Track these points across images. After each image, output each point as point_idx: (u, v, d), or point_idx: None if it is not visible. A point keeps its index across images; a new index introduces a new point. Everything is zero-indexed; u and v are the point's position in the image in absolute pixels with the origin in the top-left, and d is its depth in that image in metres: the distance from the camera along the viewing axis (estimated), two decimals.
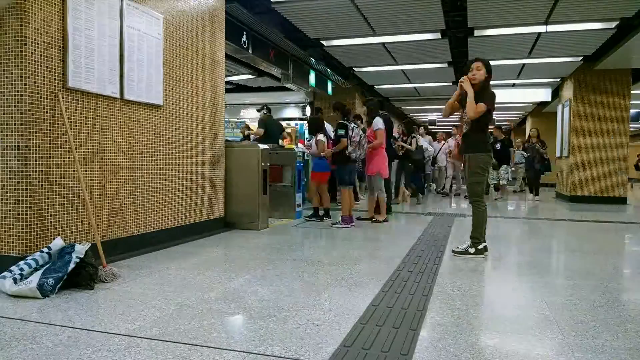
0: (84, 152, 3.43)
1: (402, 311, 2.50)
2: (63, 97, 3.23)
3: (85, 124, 3.45)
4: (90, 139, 3.49)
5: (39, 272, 2.76)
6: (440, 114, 19.42)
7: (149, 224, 4.15)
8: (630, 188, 13.52)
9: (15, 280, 2.71)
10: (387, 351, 1.97)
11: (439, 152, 11.47)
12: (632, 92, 9.69)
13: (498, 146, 9.98)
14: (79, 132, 3.39)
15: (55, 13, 3.18)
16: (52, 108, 3.18)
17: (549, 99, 12.24)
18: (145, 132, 4.07)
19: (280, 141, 8.02)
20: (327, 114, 8.00)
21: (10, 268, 2.81)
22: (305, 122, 13.09)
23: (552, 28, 6.95)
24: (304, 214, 6.53)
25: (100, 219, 3.60)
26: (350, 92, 11.89)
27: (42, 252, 2.92)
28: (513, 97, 12.39)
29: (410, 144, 8.88)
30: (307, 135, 9.72)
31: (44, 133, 3.12)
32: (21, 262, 2.83)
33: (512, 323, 2.37)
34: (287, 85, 9.57)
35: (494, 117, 8.01)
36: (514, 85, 12.11)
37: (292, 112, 13.78)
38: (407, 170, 9.02)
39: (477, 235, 3.98)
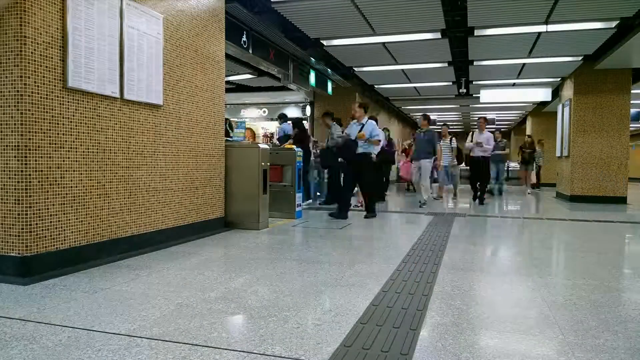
0: (84, 152, 3.43)
1: (402, 311, 2.50)
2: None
3: (85, 123, 3.44)
4: (90, 139, 3.49)
5: None
6: (440, 113, 19.45)
7: (149, 224, 4.14)
8: None
9: None
10: (387, 351, 1.97)
11: None
12: (632, 92, 9.69)
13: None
14: (79, 132, 3.39)
15: (55, 13, 3.18)
16: (52, 108, 3.18)
17: (549, 99, 12.24)
18: (145, 132, 4.07)
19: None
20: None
21: None
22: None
23: (552, 28, 6.95)
24: (304, 214, 6.54)
25: (100, 219, 3.60)
26: (350, 92, 11.89)
27: None
28: (513, 96, 12.39)
29: None
30: None
31: (44, 133, 3.12)
32: None
33: (512, 323, 2.37)
34: (287, 85, 9.57)
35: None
36: (514, 85, 12.11)
37: (292, 112, 13.77)
38: None
39: None
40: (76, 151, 3.37)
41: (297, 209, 6.41)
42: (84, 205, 3.45)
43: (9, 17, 2.98)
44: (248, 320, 2.36)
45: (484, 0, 5.99)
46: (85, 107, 3.44)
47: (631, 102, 9.83)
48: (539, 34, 7.36)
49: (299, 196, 6.45)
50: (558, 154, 11.27)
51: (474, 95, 12.97)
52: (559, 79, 11.11)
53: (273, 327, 2.23)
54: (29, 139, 3.03)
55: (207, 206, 5.04)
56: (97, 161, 3.56)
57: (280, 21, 7.04)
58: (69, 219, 3.33)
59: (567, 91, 10.53)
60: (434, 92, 13.55)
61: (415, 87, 12.61)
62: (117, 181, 3.76)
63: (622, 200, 9.57)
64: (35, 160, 3.07)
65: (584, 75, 9.69)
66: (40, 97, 3.09)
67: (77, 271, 3.27)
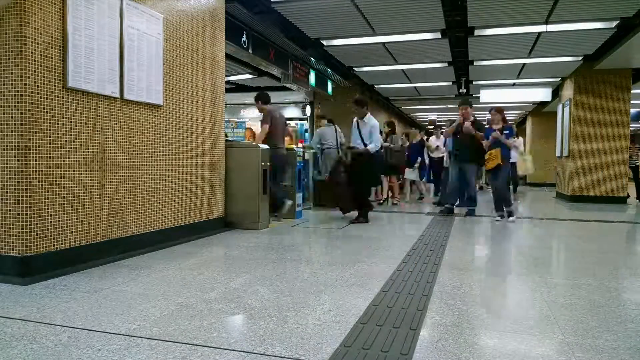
0: (84, 152, 3.43)
1: (402, 311, 2.50)
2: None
3: (85, 123, 3.44)
4: (90, 139, 3.49)
5: None
6: (440, 113, 19.47)
7: (149, 224, 4.14)
8: None
9: None
10: (387, 351, 1.97)
11: None
12: (632, 91, 9.69)
13: None
14: (79, 132, 3.39)
15: (55, 13, 3.18)
16: (52, 108, 3.18)
17: (549, 99, 12.23)
18: (145, 132, 4.07)
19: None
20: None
21: None
22: (305, 121, 13.11)
23: (552, 27, 6.95)
24: (304, 214, 6.53)
25: (100, 219, 3.60)
26: (350, 92, 11.88)
27: None
28: (513, 96, 12.38)
29: None
30: None
31: (44, 133, 3.12)
32: None
33: (512, 323, 2.37)
34: (287, 85, 9.57)
35: None
36: (514, 85, 12.11)
37: (292, 111, 13.76)
38: None
39: None
40: (76, 151, 3.37)
41: (297, 209, 6.41)
42: (84, 205, 3.45)
43: (9, 17, 2.98)
44: (248, 320, 2.36)
45: (484, 0, 5.98)
46: (85, 107, 3.44)
47: (631, 102, 9.82)
48: (539, 34, 7.35)
49: (298, 196, 6.45)
50: (558, 154, 11.27)
51: (474, 95, 12.96)
52: (559, 79, 11.11)
53: (273, 327, 2.23)
54: (29, 139, 3.03)
55: (207, 206, 5.04)
56: (97, 161, 3.56)
57: (280, 21, 7.03)
58: (69, 219, 3.33)
59: (567, 91, 10.53)
60: (434, 92, 13.55)
61: (415, 87, 12.61)
62: (117, 181, 3.76)
63: (622, 200, 9.57)
64: (35, 160, 3.07)
65: (584, 75, 9.69)
66: (40, 97, 3.09)
67: (77, 271, 3.27)
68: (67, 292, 2.78)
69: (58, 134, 3.22)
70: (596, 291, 2.97)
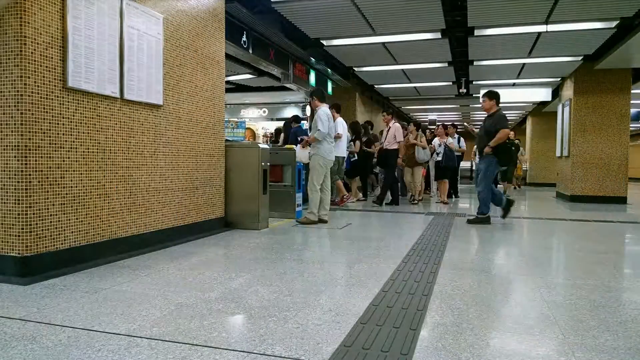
0: (84, 152, 3.43)
1: (402, 311, 2.50)
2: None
3: (85, 123, 3.44)
4: (90, 139, 3.49)
5: None
6: (440, 113, 19.49)
7: (149, 224, 4.14)
8: None
9: None
10: (387, 351, 1.97)
11: None
12: (632, 91, 9.69)
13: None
14: (79, 132, 3.39)
15: (55, 13, 3.18)
16: (52, 108, 3.18)
17: (549, 99, 12.24)
18: (145, 132, 4.07)
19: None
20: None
21: None
22: (305, 121, 13.12)
23: (552, 27, 6.96)
24: (304, 214, 6.53)
25: (100, 219, 3.60)
26: (350, 92, 11.88)
27: None
28: (513, 96, 12.39)
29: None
30: None
31: (44, 133, 3.12)
32: None
33: (512, 323, 2.37)
34: (287, 85, 9.57)
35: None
36: (514, 85, 12.11)
37: (292, 111, 13.78)
38: None
39: None
40: (76, 151, 3.37)
41: (297, 209, 6.41)
42: (84, 205, 3.45)
43: (9, 17, 2.98)
44: (248, 320, 2.36)
45: (484, 0, 5.99)
46: (85, 107, 3.44)
47: (631, 102, 9.83)
48: (539, 34, 7.36)
49: (298, 196, 6.45)
50: (558, 154, 11.27)
51: (474, 95, 12.97)
52: (559, 79, 11.12)
53: (273, 327, 2.23)
54: (29, 139, 3.03)
55: (207, 206, 5.04)
56: (97, 161, 3.56)
57: (280, 21, 7.04)
58: (69, 219, 3.33)
59: (567, 91, 10.54)
60: (434, 92, 13.56)
61: (415, 87, 12.61)
62: (117, 181, 3.76)
63: (622, 200, 9.57)
64: (35, 160, 3.07)
65: (584, 75, 9.69)
66: (40, 97, 3.09)
67: (77, 271, 3.27)
68: (67, 292, 2.78)
69: (58, 134, 3.22)
70: (596, 291, 2.97)
